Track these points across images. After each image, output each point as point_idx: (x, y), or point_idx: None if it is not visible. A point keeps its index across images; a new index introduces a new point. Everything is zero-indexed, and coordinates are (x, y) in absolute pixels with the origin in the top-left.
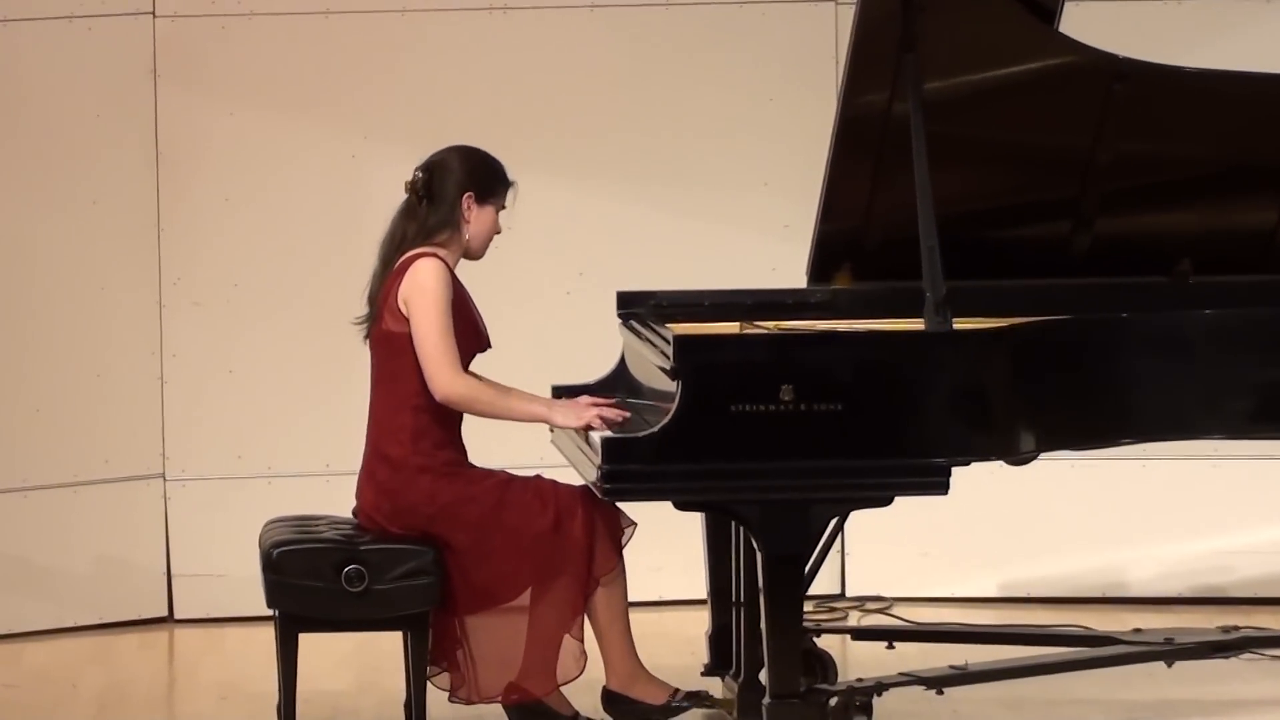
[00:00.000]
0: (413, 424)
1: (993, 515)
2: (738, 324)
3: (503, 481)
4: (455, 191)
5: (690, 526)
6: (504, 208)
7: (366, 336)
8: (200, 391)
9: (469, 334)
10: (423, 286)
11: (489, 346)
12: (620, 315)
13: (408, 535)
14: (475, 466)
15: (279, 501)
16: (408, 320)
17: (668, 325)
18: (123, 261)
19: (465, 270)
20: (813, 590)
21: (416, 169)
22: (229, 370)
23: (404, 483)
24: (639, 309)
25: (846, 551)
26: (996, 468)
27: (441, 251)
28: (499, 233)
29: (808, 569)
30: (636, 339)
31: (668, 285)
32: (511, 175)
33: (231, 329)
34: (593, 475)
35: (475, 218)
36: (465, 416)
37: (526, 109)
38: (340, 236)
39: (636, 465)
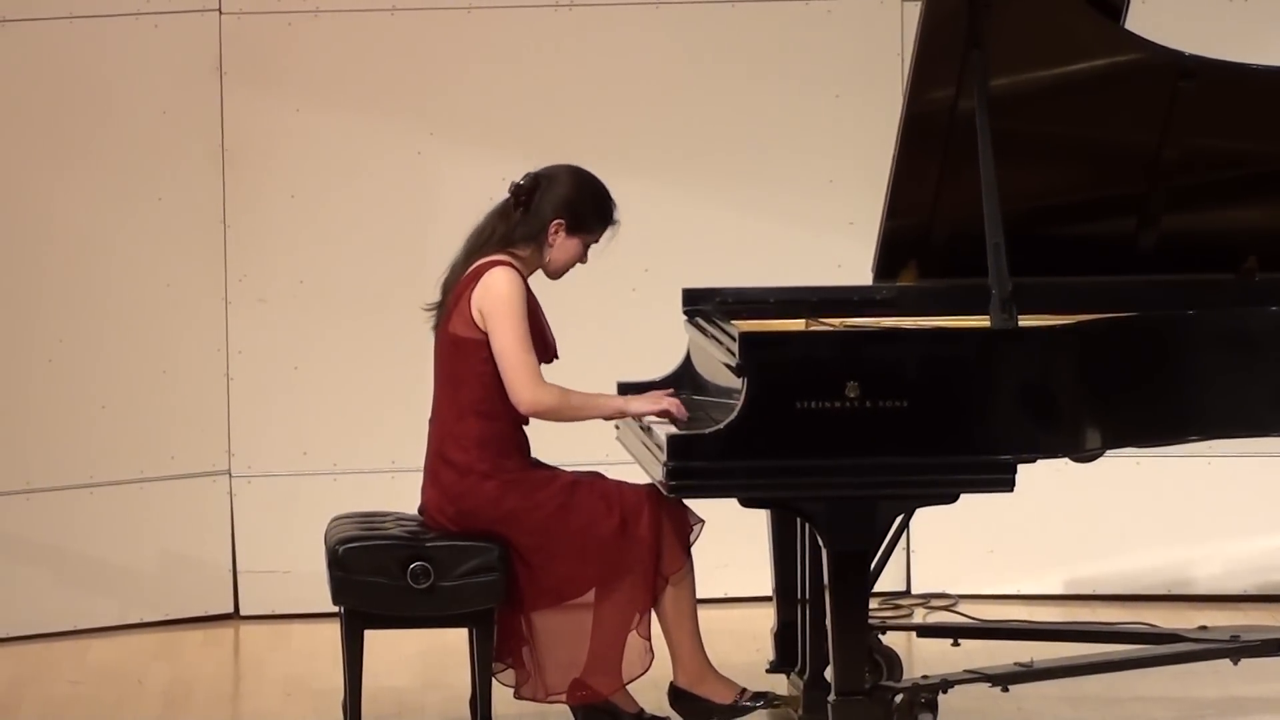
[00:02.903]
0: (477, 431)
1: (1058, 512)
2: (803, 321)
3: (567, 485)
4: (550, 212)
5: (755, 524)
6: (595, 242)
7: (435, 327)
8: (266, 388)
9: (537, 345)
10: (501, 297)
11: (556, 357)
12: (685, 312)
13: (474, 532)
14: (539, 468)
15: (344, 498)
16: (479, 329)
17: (733, 322)
18: (188, 258)
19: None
20: (878, 587)
21: (526, 175)
22: (294, 367)
23: (469, 488)
24: (704, 306)
25: (912, 549)
26: (1062, 465)
27: (517, 262)
28: (583, 263)
29: (873, 566)
30: (702, 335)
31: (733, 282)
32: (618, 215)
33: (297, 326)
34: (658, 473)
35: (560, 245)
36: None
37: (592, 106)
38: (405, 234)
39: (702, 462)
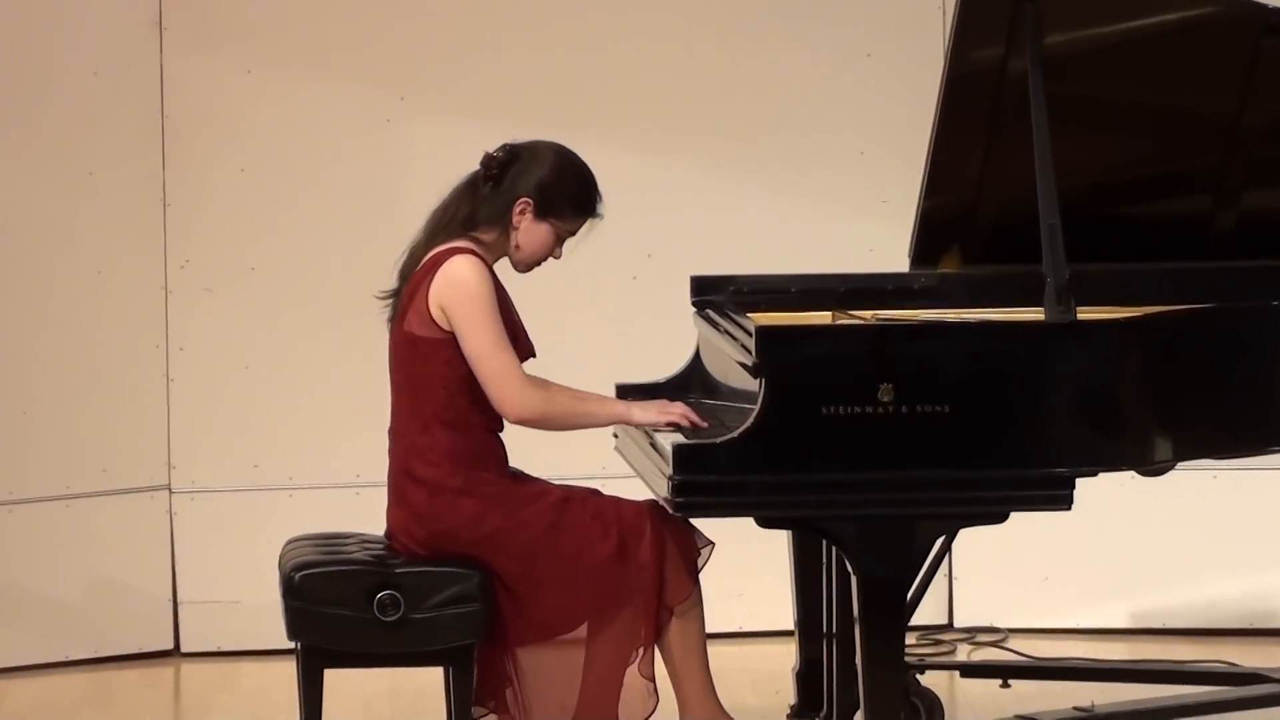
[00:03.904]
0: (445, 442)
1: (1123, 534)
2: (829, 313)
3: (557, 502)
4: (521, 191)
5: (775, 547)
6: (571, 234)
7: (390, 320)
8: (212, 391)
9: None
10: (465, 291)
11: (533, 355)
12: (694, 303)
13: (450, 556)
14: (523, 482)
15: (302, 517)
16: (439, 327)
17: (749, 315)
18: (123, 242)
19: None
20: (916, 620)
21: (502, 146)
22: (244, 367)
23: (442, 508)
24: (716, 296)
25: (955, 575)
26: (1127, 479)
27: (481, 249)
28: (556, 258)
29: (910, 595)
30: (713, 331)
31: (749, 269)
32: (601, 208)
33: (248, 319)
34: (663, 488)
35: (526, 229)
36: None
37: (587, 67)
38: (373, 213)
39: (713, 476)
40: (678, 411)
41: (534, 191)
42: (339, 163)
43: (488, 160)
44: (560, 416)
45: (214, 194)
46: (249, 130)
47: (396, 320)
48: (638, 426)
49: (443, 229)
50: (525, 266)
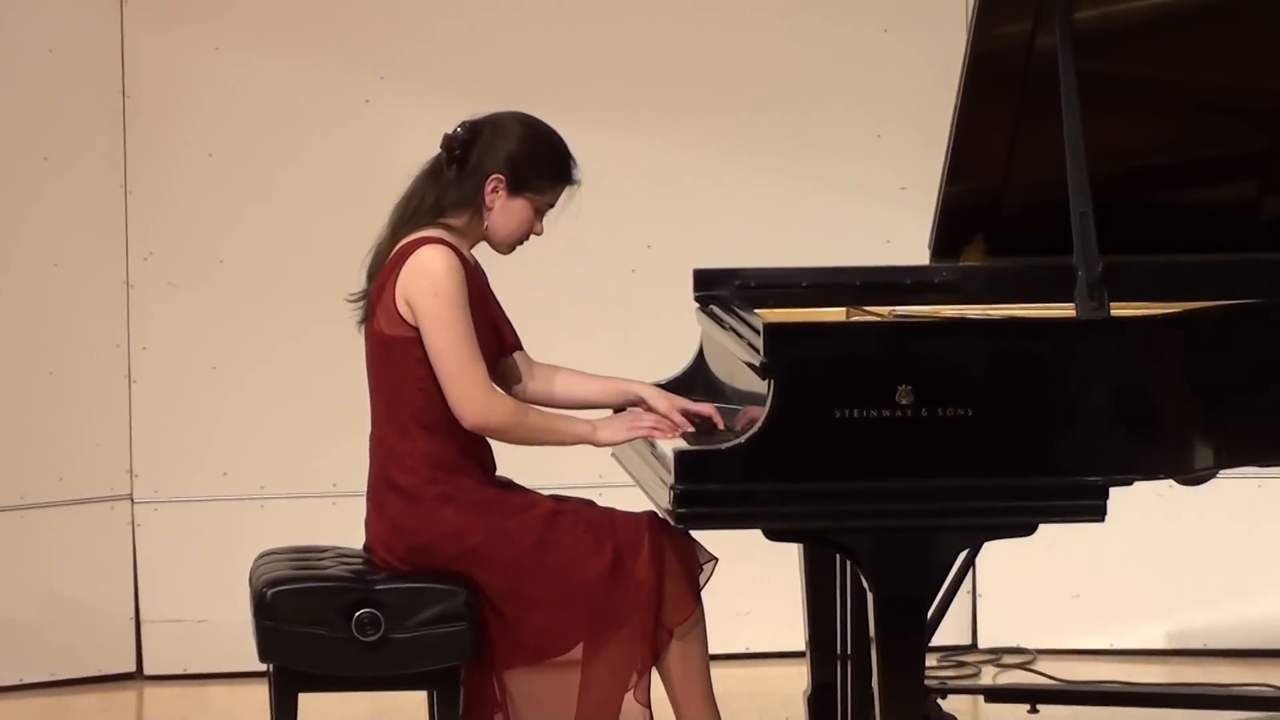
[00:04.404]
0: (426, 447)
1: (1160, 547)
2: (843, 309)
3: (547, 514)
4: (490, 168)
5: (785, 561)
6: (550, 206)
7: (362, 322)
8: (177, 393)
9: (487, 336)
10: (431, 284)
11: (516, 349)
12: (697, 298)
13: (433, 572)
14: (511, 490)
15: (274, 529)
16: (409, 324)
17: (756, 311)
18: (81, 232)
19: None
20: (937, 640)
21: (462, 124)
22: (212, 367)
23: (424, 517)
24: (721, 291)
25: (979, 592)
26: (1165, 488)
27: (451, 237)
28: (537, 234)
29: (931, 614)
30: (718, 328)
31: (756, 261)
32: (577, 174)
33: (216, 316)
34: (664, 498)
35: (500, 208)
36: None
37: (579, 42)
38: (352, 201)
39: (718, 485)
40: (646, 424)
41: (504, 167)
42: (314, 147)
43: (448, 141)
44: (522, 430)
45: (179, 180)
46: (217, 112)
47: (368, 321)
48: (604, 446)
49: (408, 221)
50: (507, 247)
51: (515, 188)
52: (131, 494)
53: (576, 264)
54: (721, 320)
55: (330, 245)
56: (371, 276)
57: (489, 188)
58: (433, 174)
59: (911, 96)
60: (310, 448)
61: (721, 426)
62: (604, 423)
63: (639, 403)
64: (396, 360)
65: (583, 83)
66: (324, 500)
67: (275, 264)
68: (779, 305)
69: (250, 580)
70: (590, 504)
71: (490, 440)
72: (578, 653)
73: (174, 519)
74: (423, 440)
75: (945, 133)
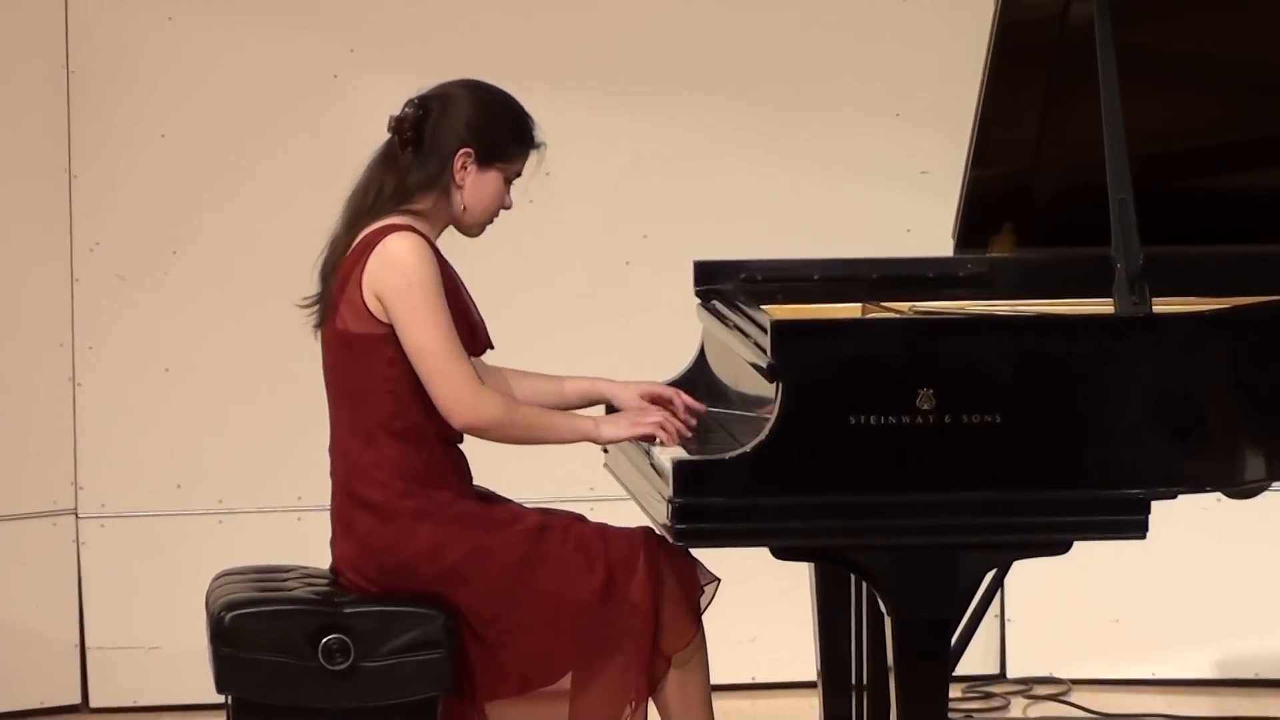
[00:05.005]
0: (396, 457)
1: (1208, 567)
2: (859, 306)
3: (533, 529)
4: (453, 142)
5: (794, 583)
6: (518, 174)
7: (318, 326)
8: (126, 398)
9: (462, 332)
10: (405, 276)
11: (489, 346)
12: (698, 294)
13: (408, 594)
14: (491, 502)
15: (234, 547)
16: (377, 319)
17: (763, 307)
18: (21, 220)
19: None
20: (962, 669)
21: (409, 103)
22: (165, 369)
23: (397, 535)
24: (724, 285)
25: (1008, 617)
26: (1212, 501)
27: (420, 224)
28: (507, 208)
29: (955, 640)
30: (721, 326)
31: (762, 252)
32: (540, 135)
33: (170, 312)
34: (661, 512)
35: (472, 184)
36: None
37: (566, 10)
38: (319, 185)
39: (721, 498)
40: (652, 421)
41: (471, 139)
42: (278, 127)
43: (398, 123)
44: (516, 427)
45: (129, 163)
46: (171, 88)
47: (327, 321)
48: (606, 445)
49: (367, 213)
50: (479, 227)
51: (485, 159)
52: (76, 508)
53: (563, 256)
54: (725, 317)
55: (296, 234)
56: (326, 277)
57: (458, 164)
58: (386, 160)
59: (934, 71)
60: (273, 458)
61: (680, 407)
62: (607, 419)
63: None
64: (363, 361)
65: (570, 53)
66: (288, 515)
67: (235, 255)
68: (788, 301)
69: (207, 603)
70: (580, 518)
71: (464, 448)
72: (566, 682)
73: (123, 536)
74: (392, 449)
75: (970, 111)
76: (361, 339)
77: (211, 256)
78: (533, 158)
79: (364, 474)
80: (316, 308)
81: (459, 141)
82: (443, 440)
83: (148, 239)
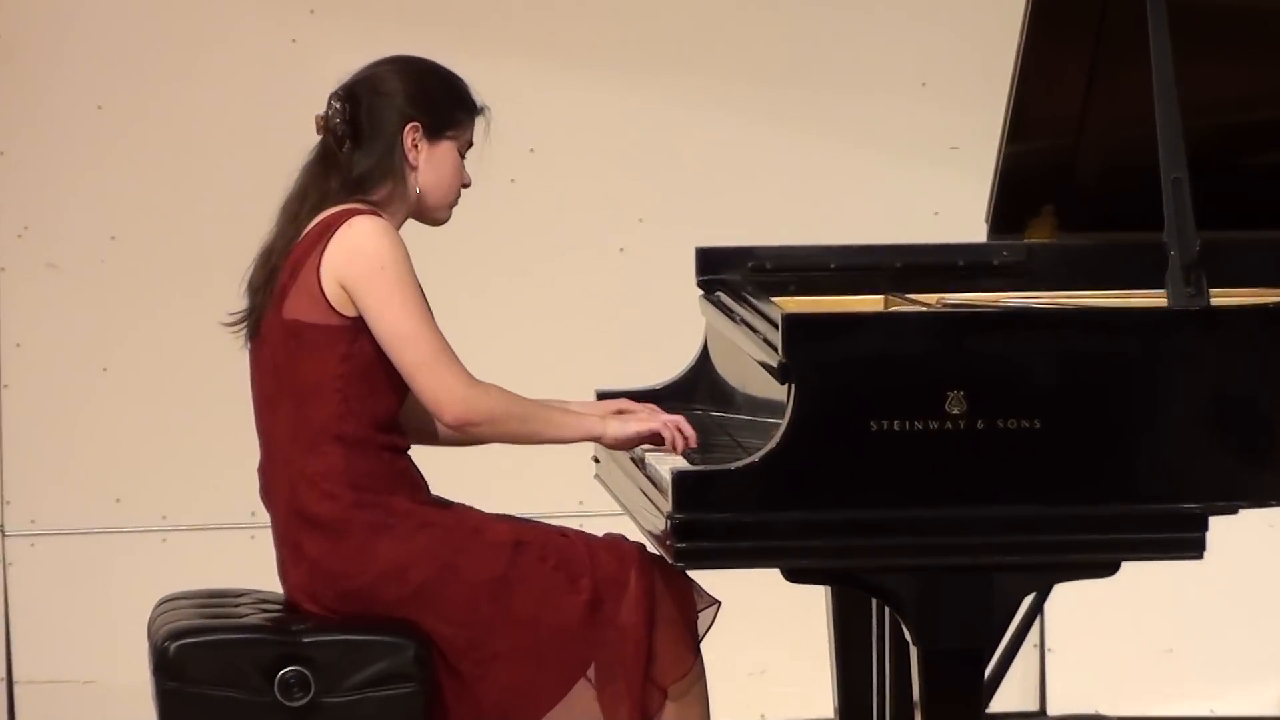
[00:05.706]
0: (343, 462)
1: (1271, 591)
2: (881, 297)
3: (508, 543)
4: (396, 121)
5: (808, 608)
6: (469, 145)
7: (251, 337)
8: (58, 402)
9: None
10: (376, 260)
11: None
12: (701, 284)
13: (374, 620)
14: (454, 511)
15: (178, 568)
16: (337, 311)
17: (774, 299)
18: None
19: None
20: (997, 704)
21: (333, 96)
22: (102, 369)
23: (354, 555)
24: (730, 274)
25: (1048, 646)
26: (1277, 518)
27: (382, 213)
28: (467, 185)
29: (989, 672)
30: (726, 320)
31: (773, 239)
32: (479, 97)
33: (106, 306)
34: (658, 527)
35: (426, 160)
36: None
37: None
38: (274, 161)
39: (726, 513)
40: (661, 421)
41: (414, 112)
42: (229, 97)
43: (327, 121)
44: (512, 422)
45: (61, 139)
46: (108, 56)
47: (269, 317)
48: (613, 445)
49: (298, 228)
50: (444, 209)
51: (435, 130)
52: (2, 525)
53: (547, 241)
54: (731, 311)
55: (248, 217)
56: (255, 291)
57: (407, 141)
58: (324, 161)
59: (964, 38)
60: (223, 468)
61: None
62: (615, 416)
63: None
64: (313, 356)
65: (556, 19)
66: (240, 533)
67: (180, 242)
68: (801, 292)
69: (149, 631)
70: (561, 532)
71: (434, 454)
72: (551, 718)
73: (54, 556)
74: (338, 456)
75: (1006, 81)
76: (314, 330)
77: (154, 242)
78: (479, 124)
79: (310, 485)
80: (246, 323)
81: (402, 118)
82: (393, 446)
83: (82, 223)
